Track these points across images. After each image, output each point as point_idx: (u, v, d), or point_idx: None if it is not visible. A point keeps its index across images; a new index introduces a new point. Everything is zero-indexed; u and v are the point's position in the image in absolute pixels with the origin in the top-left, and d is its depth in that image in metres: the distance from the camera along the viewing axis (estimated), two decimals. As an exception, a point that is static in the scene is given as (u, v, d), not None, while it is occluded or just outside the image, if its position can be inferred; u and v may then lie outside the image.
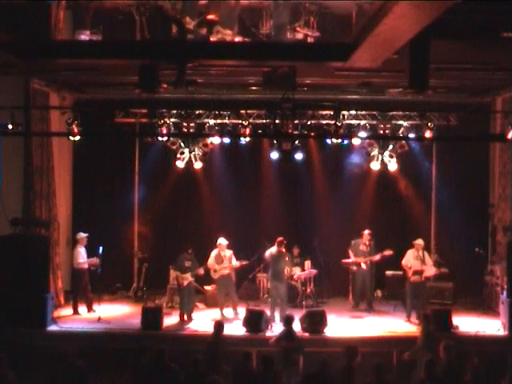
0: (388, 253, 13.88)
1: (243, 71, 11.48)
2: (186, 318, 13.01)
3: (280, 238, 12.99)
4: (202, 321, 12.92)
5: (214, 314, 13.47)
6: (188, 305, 13.22)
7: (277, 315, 12.69)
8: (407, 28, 7.58)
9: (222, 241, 13.56)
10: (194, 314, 13.23)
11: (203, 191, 15.78)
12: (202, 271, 13.28)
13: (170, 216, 15.76)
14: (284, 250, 13.03)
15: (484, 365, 8.33)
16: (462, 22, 8.30)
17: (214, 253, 13.56)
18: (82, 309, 13.46)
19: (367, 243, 14.07)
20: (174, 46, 9.50)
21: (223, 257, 13.52)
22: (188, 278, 13.22)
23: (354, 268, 14.15)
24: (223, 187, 15.60)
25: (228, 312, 13.44)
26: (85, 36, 9.55)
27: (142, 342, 10.06)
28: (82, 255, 13.44)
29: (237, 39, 9.76)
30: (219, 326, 10.29)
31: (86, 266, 13.42)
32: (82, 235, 13.63)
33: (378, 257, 13.97)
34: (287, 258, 13.13)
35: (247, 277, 14.77)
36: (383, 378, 7.89)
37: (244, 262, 13.73)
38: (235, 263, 13.54)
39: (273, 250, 13.03)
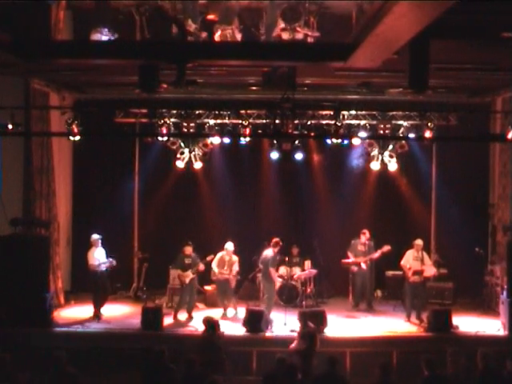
0: (386, 248, 13.89)
1: (243, 71, 11.46)
2: (177, 316, 12.98)
3: (276, 239, 13.04)
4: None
5: (214, 313, 13.46)
6: (190, 303, 13.23)
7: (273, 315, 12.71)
8: (407, 28, 7.55)
9: (229, 246, 13.62)
10: (194, 314, 13.20)
11: (203, 191, 15.78)
12: (202, 267, 13.26)
13: (169, 216, 15.76)
14: (277, 250, 13.12)
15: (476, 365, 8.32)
16: (462, 21, 8.28)
17: (219, 255, 13.67)
18: (90, 308, 13.21)
19: (366, 243, 14.09)
20: (174, 46, 9.48)
21: (226, 262, 13.59)
22: (189, 275, 13.22)
23: (355, 268, 14.15)
24: (223, 187, 15.61)
25: (228, 311, 13.49)
26: (102, 36, 9.41)
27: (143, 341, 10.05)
28: (95, 257, 12.96)
29: (238, 36, 9.74)
30: (209, 323, 10.23)
31: (100, 267, 12.98)
32: (95, 237, 13.14)
33: (377, 254, 13.99)
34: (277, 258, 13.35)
35: (247, 277, 14.78)
36: (389, 378, 7.88)
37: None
38: (236, 269, 13.61)
39: (269, 251, 13.08)
